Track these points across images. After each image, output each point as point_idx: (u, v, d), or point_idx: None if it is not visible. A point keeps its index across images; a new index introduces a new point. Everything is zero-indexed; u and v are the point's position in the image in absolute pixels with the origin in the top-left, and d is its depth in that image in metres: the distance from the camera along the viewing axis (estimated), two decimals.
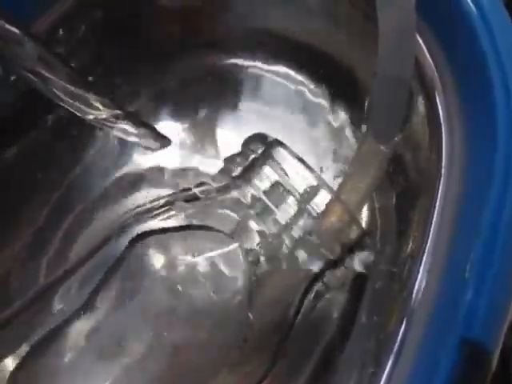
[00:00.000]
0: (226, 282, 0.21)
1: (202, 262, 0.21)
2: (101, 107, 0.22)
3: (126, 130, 0.23)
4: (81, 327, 0.20)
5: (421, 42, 0.21)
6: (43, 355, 0.20)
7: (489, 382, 0.16)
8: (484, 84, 0.18)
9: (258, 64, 0.29)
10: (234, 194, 0.22)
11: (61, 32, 0.24)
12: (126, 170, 0.28)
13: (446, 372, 0.15)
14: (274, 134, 0.23)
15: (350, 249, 0.21)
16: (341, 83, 0.27)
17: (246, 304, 0.21)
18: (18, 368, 0.20)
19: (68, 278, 0.22)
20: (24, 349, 0.20)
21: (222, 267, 0.21)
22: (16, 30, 0.22)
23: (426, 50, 0.21)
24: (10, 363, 0.20)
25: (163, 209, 0.22)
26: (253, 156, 0.22)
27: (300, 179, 0.22)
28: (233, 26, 0.28)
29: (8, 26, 0.22)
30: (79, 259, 0.22)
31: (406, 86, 0.20)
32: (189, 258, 0.21)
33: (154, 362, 0.20)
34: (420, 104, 0.21)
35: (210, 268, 0.21)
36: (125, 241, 0.21)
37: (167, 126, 0.28)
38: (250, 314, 0.21)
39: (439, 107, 0.20)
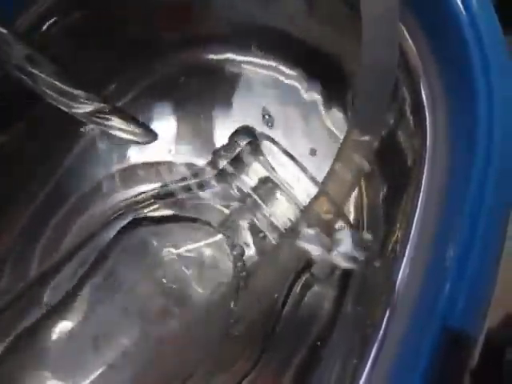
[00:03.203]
0: (211, 274, 0.21)
1: (187, 254, 0.21)
2: (87, 102, 0.23)
3: (112, 124, 0.23)
4: (65, 320, 0.20)
5: (404, 30, 0.21)
6: (31, 345, 0.20)
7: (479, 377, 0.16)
8: (466, 70, 0.18)
9: (246, 58, 0.29)
10: (221, 187, 0.22)
11: (44, 28, 0.24)
12: (114, 164, 0.28)
13: (428, 358, 0.15)
14: (262, 127, 0.23)
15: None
16: (327, 74, 0.27)
17: (231, 296, 0.21)
18: (4, 356, 0.20)
19: (58, 271, 0.22)
20: (11, 338, 0.20)
21: (208, 259, 0.21)
22: (3, 30, 0.23)
23: (409, 39, 0.21)
24: None
25: (149, 202, 0.22)
26: (239, 148, 0.22)
27: (287, 172, 0.22)
28: (218, 21, 0.28)
29: None
30: (68, 253, 0.22)
31: (391, 75, 0.20)
32: (174, 250, 0.21)
33: (139, 355, 0.20)
34: (404, 91, 0.21)
35: (195, 260, 0.21)
36: (112, 234, 0.22)
37: (156, 121, 0.28)
38: (235, 307, 0.21)
39: (423, 95, 0.20)
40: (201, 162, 0.23)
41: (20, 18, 0.23)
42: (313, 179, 0.21)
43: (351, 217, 0.25)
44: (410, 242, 0.18)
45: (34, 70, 0.22)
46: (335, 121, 0.27)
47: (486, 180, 0.17)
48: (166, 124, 0.28)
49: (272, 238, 0.22)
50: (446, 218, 0.18)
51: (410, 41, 0.20)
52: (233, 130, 0.23)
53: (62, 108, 0.23)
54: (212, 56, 0.29)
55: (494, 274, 0.16)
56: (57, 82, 0.23)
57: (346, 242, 0.20)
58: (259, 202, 0.22)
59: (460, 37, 0.19)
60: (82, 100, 0.23)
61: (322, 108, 0.28)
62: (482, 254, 0.16)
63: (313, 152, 0.27)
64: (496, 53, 0.18)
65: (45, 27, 0.24)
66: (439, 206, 0.19)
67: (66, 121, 0.25)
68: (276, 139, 0.23)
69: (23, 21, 0.23)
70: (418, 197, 0.19)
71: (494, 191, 0.17)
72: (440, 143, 0.19)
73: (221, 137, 0.27)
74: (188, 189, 0.23)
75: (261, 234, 0.22)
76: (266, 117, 0.28)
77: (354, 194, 0.25)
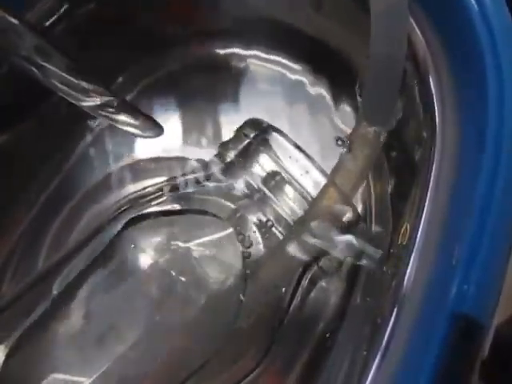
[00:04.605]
0: (219, 267, 0.21)
1: (195, 247, 0.21)
2: (95, 95, 0.23)
3: (119, 118, 0.23)
4: (75, 312, 0.20)
5: (413, 21, 0.21)
6: (38, 339, 0.20)
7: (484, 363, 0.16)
8: (476, 63, 0.18)
9: (251, 52, 0.29)
10: (229, 180, 0.22)
11: (53, 20, 0.24)
12: (121, 159, 0.28)
13: (438, 347, 0.15)
14: (269, 121, 0.23)
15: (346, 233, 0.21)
16: (335, 68, 0.27)
17: (239, 289, 0.21)
18: (12, 351, 0.20)
19: (66, 264, 0.22)
20: (19, 332, 0.20)
21: (216, 252, 0.21)
22: (15, 21, 0.23)
23: (418, 30, 0.20)
24: (4, 347, 0.20)
25: (156, 195, 0.22)
26: (247, 141, 0.22)
27: (295, 165, 0.22)
28: (223, 15, 0.28)
29: (6, 16, 0.22)
30: (76, 245, 0.22)
31: (399, 67, 0.20)
32: (182, 243, 0.21)
33: (146, 347, 0.20)
34: (413, 84, 0.21)
35: (204, 253, 0.21)
36: (120, 227, 0.21)
37: (162, 115, 0.28)
38: (243, 299, 0.20)
39: (432, 87, 0.20)
40: (208, 155, 0.23)
41: (27, 15, 0.24)
42: (321, 171, 0.21)
43: (360, 209, 0.25)
44: (419, 233, 0.18)
45: (43, 62, 0.22)
46: (343, 115, 0.27)
47: (497, 172, 0.17)
48: (172, 118, 0.29)
49: (280, 230, 0.22)
50: (455, 209, 0.18)
51: (418, 32, 0.20)
52: (240, 123, 0.23)
53: (70, 100, 0.23)
54: (218, 51, 0.29)
55: (504, 260, 0.16)
56: (66, 75, 0.23)
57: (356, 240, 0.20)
58: (268, 194, 0.22)
59: (470, 27, 0.18)
60: (91, 93, 0.23)
61: (329, 102, 0.28)
62: (492, 242, 0.16)
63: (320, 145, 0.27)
64: (508, 43, 0.18)
65: (50, 22, 0.24)
66: (448, 197, 0.18)
67: (73, 116, 0.25)
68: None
69: (30, 17, 0.24)
70: (427, 189, 0.19)
71: (504, 183, 0.17)
72: (449, 135, 0.19)
73: (228, 131, 0.27)
74: (195, 182, 0.22)
75: (269, 228, 0.22)
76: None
77: (363, 187, 0.25)
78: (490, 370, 0.19)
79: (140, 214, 0.22)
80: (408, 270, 0.18)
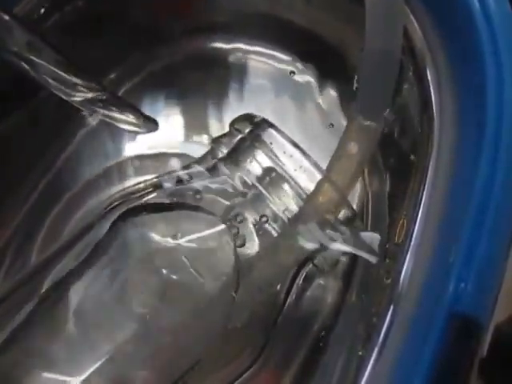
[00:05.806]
0: (212, 264, 0.20)
1: (187, 244, 0.20)
2: (86, 90, 0.22)
3: (112, 114, 0.23)
4: (65, 310, 0.20)
5: (411, 16, 0.20)
6: (27, 338, 0.20)
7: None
8: (475, 59, 0.18)
9: (246, 47, 0.29)
10: (222, 177, 0.22)
11: (43, 12, 0.24)
12: (114, 154, 0.28)
13: (435, 346, 0.15)
14: (266, 117, 0.22)
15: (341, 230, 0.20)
16: (329, 62, 0.27)
17: (232, 286, 0.20)
18: (1, 350, 0.20)
19: (57, 261, 0.22)
20: (9, 330, 0.20)
21: (209, 249, 0.21)
22: (6, 17, 0.22)
23: (416, 25, 0.20)
24: None
25: (148, 190, 0.22)
26: (240, 136, 0.22)
27: (290, 161, 0.21)
28: (218, 10, 0.28)
29: None
30: (67, 242, 0.22)
31: (394, 60, 0.19)
32: (174, 240, 0.20)
33: (138, 346, 0.19)
34: (410, 78, 0.21)
35: (196, 250, 0.20)
36: (111, 223, 0.21)
37: (156, 111, 0.28)
38: (237, 297, 0.20)
39: (430, 83, 0.20)
40: (202, 151, 0.23)
41: (19, 5, 0.23)
42: (316, 166, 0.21)
43: (355, 206, 0.25)
44: (416, 229, 0.18)
45: (33, 57, 0.22)
46: (342, 110, 0.27)
47: (496, 168, 0.16)
48: (166, 114, 0.28)
49: (275, 228, 0.21)
50: (452, 205, 0.18)
51: (415, 24, 0.20)
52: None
53: (62, 96, 0.23)
54: (213, 45, 0.29)
55: (503, 258, 0.15)
56: (57, 70, 0.22)
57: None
58: (263, 192, 0.21)
59: (470, 23, 0.18)
60: (82, 88, 0.22)
61: (327, 98, 0.27)
62: (490, 239, 0.15)
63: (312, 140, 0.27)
64: (506, 35, 0.18)
65: (38, 17, 0.24)
66: (446, 194, 0.18)
67: (65, 112, 0.25)
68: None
69: (22, 8, 0.23)
70: (424, 185, 0.19)
71: (503, 179, 0.16)
72: (447, 132, 0.19)
73: (223, 126, 0.27)
74: (188, 178, 0.22)
75: (263, 225, 0.22)
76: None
77: (359, 183, 0.25)
78: (490, 369, 0.18)
79: (132, 209, 0.21)
80: (404, 268, 0.18)
